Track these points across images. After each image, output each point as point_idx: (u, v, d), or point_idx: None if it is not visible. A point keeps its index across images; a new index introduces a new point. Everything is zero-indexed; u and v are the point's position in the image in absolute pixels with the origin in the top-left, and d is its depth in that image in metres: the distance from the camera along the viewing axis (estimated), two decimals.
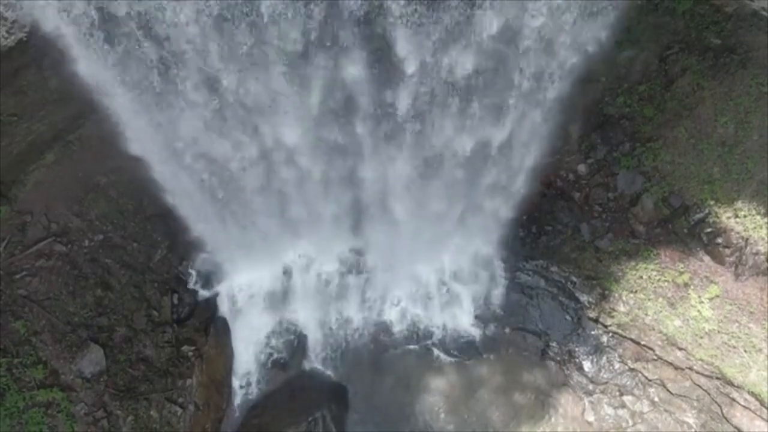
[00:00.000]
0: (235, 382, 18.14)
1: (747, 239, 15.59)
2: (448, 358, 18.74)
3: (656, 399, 17.13)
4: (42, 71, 13.93)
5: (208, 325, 17.77)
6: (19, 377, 14.53)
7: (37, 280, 15.75)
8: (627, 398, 17.44)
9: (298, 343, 18.66)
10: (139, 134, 13.66)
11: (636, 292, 17.06)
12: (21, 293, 15.44)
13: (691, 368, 16.44)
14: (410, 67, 11.80)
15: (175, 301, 17.57)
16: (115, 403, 15.47)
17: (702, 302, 16.32)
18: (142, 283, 17.16)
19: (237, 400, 17.99)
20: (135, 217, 17.56)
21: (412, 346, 18.93)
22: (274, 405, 17.73)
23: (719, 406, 16.18)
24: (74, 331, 15.67)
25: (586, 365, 17.86)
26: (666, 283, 16.75)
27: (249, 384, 18.20)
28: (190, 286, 18.10)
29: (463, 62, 11.87)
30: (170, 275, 17.78)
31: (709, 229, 16.04)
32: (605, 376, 17.68)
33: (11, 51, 12.24)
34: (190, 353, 17.06)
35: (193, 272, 18.24)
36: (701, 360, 16.22)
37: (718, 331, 16.08)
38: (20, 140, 15.12)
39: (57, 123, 15.59)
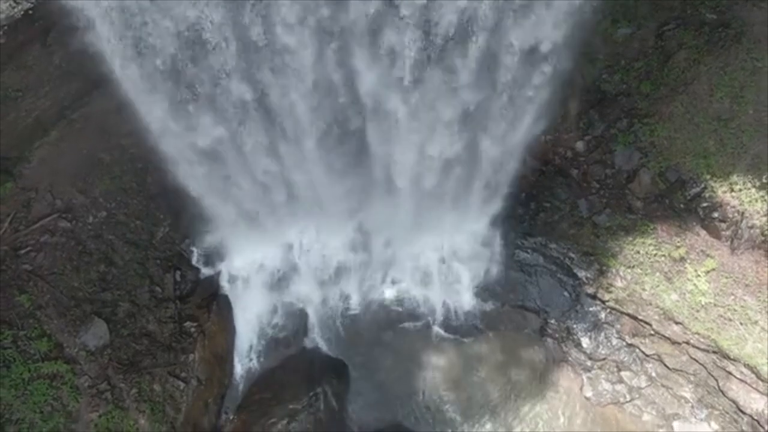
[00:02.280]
0: (237, 358, 18.31)
1: (743, 213, 15.70)
2: (448, 336, 18.89)
3: (653, 374, 17.28)
4: (46, 46, 14.19)
5: (211, 302, 17.95)
6: (24, 349, 14.77)
7: (41, 255, 15.99)
8: (625, 374, 17.58)
9: (299, 321, 18.83)
10: None
11: (633, 267, 17.18)
12: (26, 268, 15.68)
13: (687, 342, 16.56)
14: None
15: (178, 278, 17.76)
16: (118, 376, 15.69)
17: (698, 276, 16.43)
18: (145, 260, 17.38)
19: (239, 375, 18.17)
20: (138, 195, 17.81)
21: (412, 324, 19.08)
22: (276, 381, 17.89)
23: (715, 379, 16.32)
24: (78, 306, 15.92)
25: (584, 341, 17.98)
26: (663, 258, 16.87)
27: (251, 360, 18.37)
28: (193, 263, 18.31)
29: None
30: (173, 252, 17.99)
31: (705, 204, 16.16)
32: (603, 352, 17.81)
33: (17, 23, 12.47)
34: (193, 329, 17.27)
35: (196, 250, 18.44)
36: (698, 334, 16.34)
37: (715, 305, 16.20)
38: (25, 116, 15.40)
39: (61, 99, 15.88)
